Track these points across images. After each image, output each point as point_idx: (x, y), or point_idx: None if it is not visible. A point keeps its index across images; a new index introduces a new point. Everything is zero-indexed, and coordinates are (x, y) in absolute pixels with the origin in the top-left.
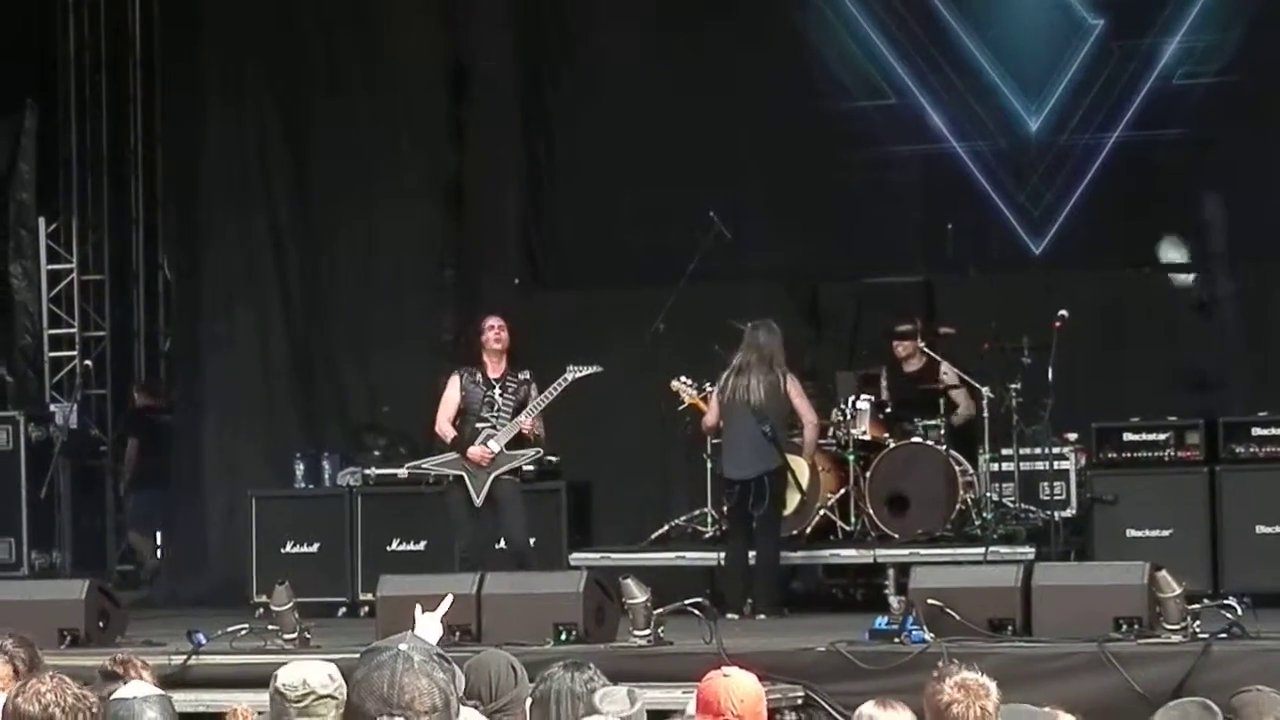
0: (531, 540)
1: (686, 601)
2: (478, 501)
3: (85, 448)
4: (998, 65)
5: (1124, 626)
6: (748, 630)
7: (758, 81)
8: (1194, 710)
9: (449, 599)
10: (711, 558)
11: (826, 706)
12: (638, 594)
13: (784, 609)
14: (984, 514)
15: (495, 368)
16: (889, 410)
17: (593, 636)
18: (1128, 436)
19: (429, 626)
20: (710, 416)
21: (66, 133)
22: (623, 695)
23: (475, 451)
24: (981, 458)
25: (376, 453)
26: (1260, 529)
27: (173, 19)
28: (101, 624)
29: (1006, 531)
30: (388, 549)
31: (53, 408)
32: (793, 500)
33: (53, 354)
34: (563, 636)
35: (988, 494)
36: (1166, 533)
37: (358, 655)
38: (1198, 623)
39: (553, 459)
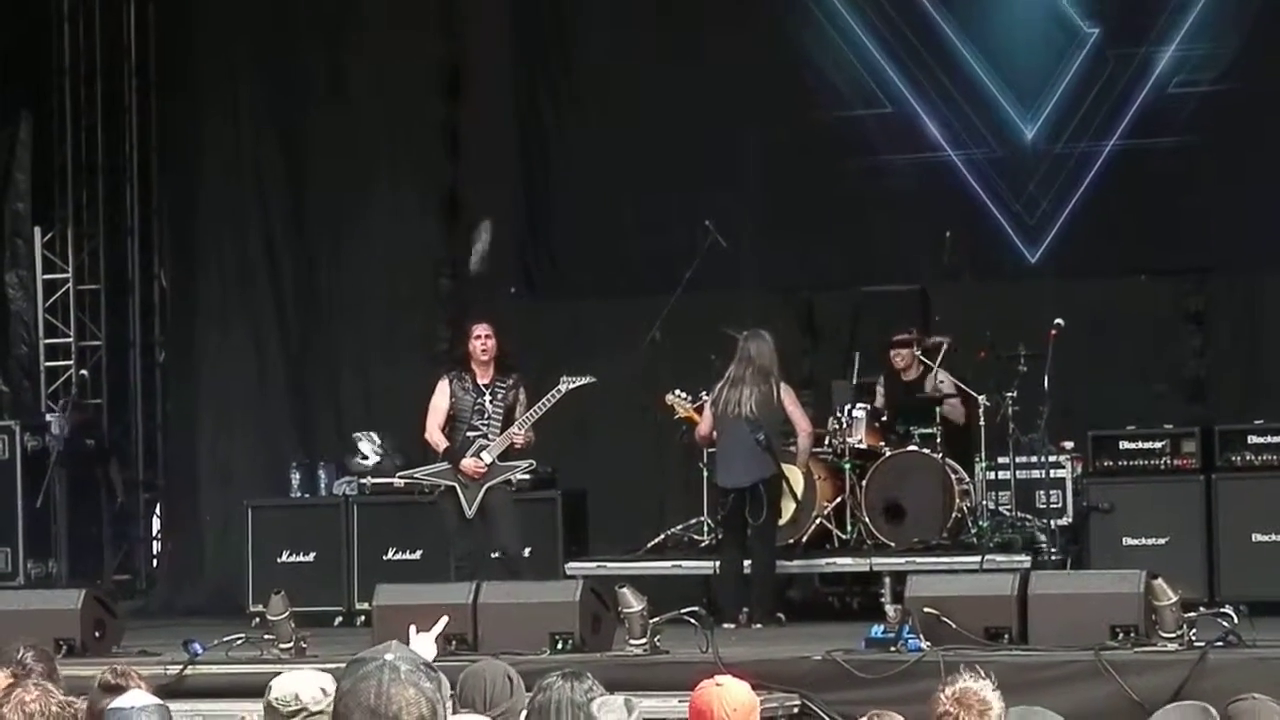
0: (527, 550)
1: (683, 610)
2: (469, 513)
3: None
4: (993, 74)
5: (1120, 635)
6: (744, 639)
7: (754, 90)
8: (1192, 713)
9: (443, 620)
10: (708, 566)
11: (823, 715)
12: (634, 603)
13: (781, 618)
14: (980, 522)
15: (484, 374)
16: (885, 419)
17: (589, 645)
18: (1124, 445)
19: (423, 647)
20: (704, 426)
21: (62, 142)
22: (619, 704)
23: (468, 464)
24: (978, 466)
25: (372, 462)
26: (1256, 537)
27: (168, 28)
28: (97, 634)
29: (1002, 540)
30: (383, 558)
31: (48, 417)
32: (788, 509)
33: (48, 364)
34: (559, 646)
35: (984, 502)
36: (1162, 541)
37: None
38: (1194, 631)
39: (549, 469)
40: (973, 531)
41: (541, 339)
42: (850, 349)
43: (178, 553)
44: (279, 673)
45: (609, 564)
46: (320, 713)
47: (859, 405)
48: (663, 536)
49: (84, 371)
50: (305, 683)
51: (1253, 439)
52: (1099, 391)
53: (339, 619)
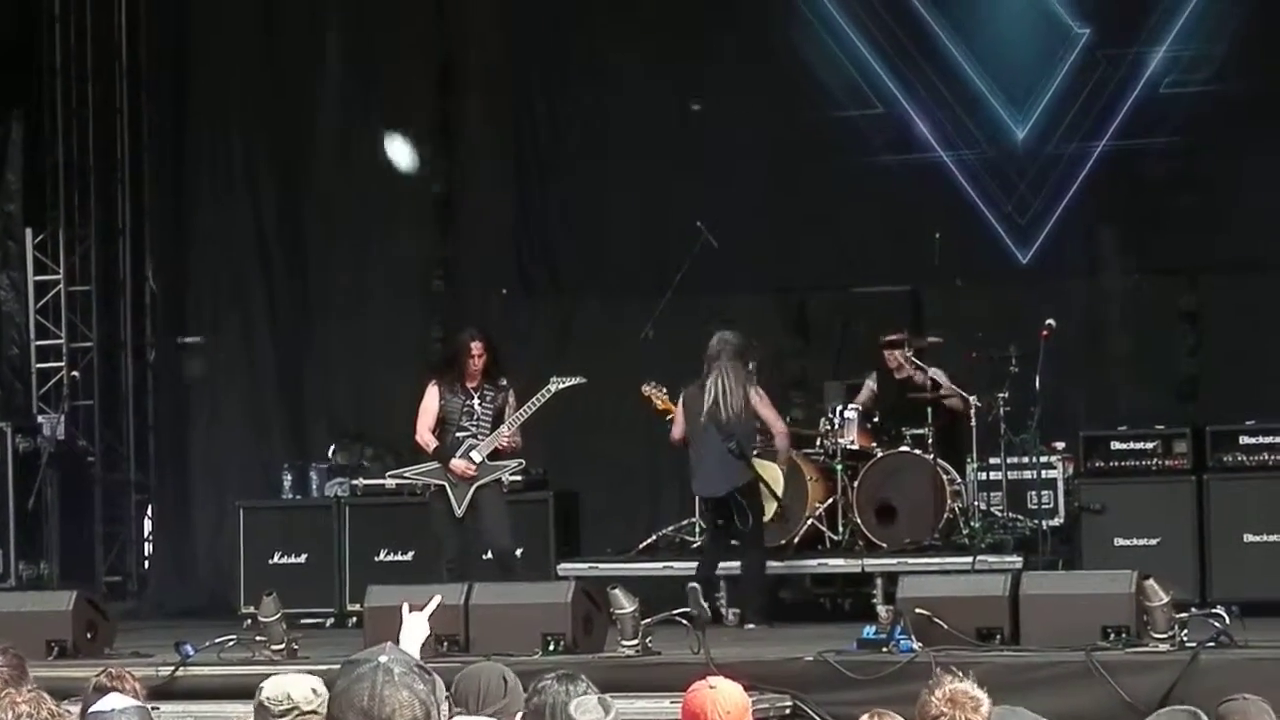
0: (519, 551)
1: (675, 611)
2: (459, 512)
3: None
4: (984, 74)
5: (1112, 635)
6: (736, 640)
7: (745, 91)
8: (1181, 718)
9: (436, 599)
10: None
11: (815, 716)
12: (626, 604)
13: (772, 619)
14: (972, 523)
15: (473, 378)
16: (877, 419)
17: (581, 647)
18: (1115, 445)
19: (416, 626)
20: (677, 430)
21: (53, 144)
22: (594, 704)
23: (458, 465)
24: (969, 467)
25: (364, 464)
26: (1248, 537)
27: (159, 30)
28: (89, 635)
29: (994, 540)
30: (375, 559)
31: (40, 419)
32: (770, 508)
33: (40, 365)
34: (551, 647)
35: (975, 503)
36: (1154, 541)
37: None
38: (1185, 631)
39: (540, 470)
40: (964, 532)
41: (534, 339)
42: (842, 350)
43: (169, 554)
44: (271, 674)
45: (601, 565)
46: (312, 712)
47: (850, 406)
48: (654, 538)
49: (75, 373)
50: (296, 683)
51: (1244, 439)
52: (1090, 392)
53: (330, 620)
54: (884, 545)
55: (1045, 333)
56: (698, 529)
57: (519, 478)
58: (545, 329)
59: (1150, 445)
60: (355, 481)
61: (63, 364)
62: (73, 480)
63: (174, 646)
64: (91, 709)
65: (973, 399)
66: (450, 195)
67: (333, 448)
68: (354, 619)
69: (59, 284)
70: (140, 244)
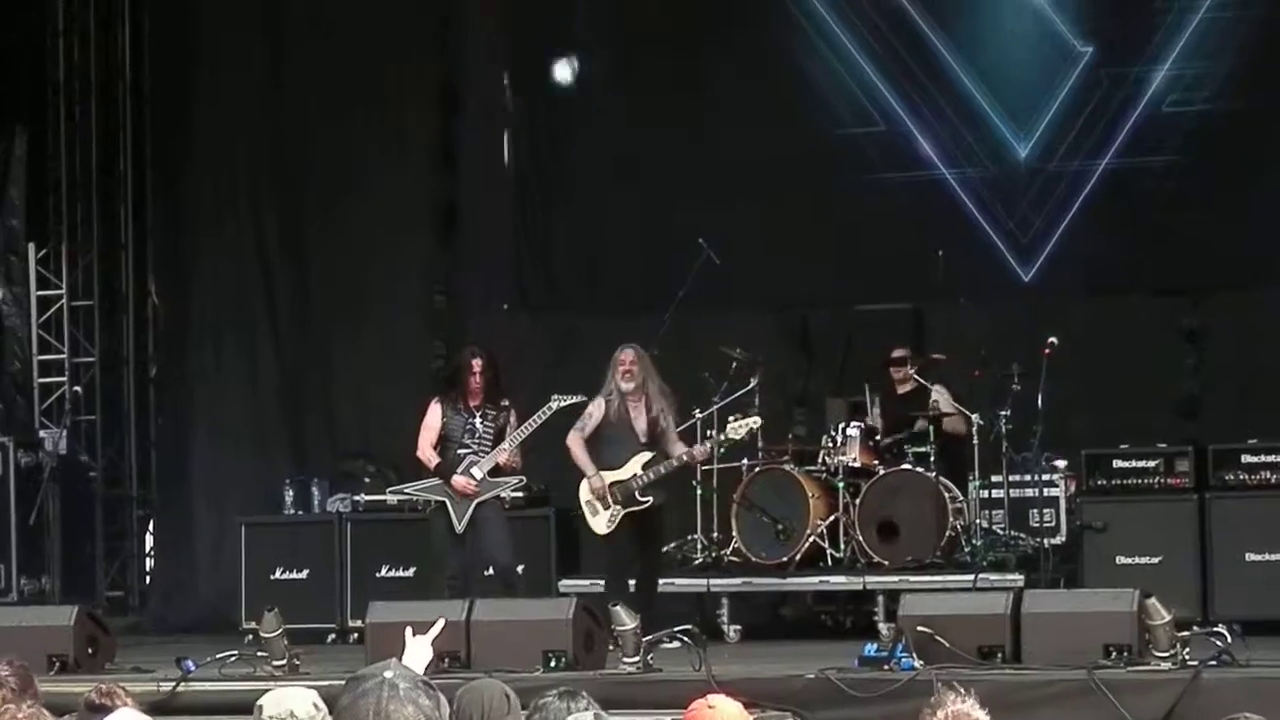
0: (520, 567)
1: (676, 629)
2: (459, 528)
3: (75, 474)
4: (987, 92)
5: (1113, 654)
6: (736, 657)
7: (748, 108)
8: None
9: (440, 622)
10: (701, 584)
11: None
12: (627, 621)
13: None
14: (974, 541)
15: (475, 396)
16: (879, 437)
17: (582, 664)
18: (1117, 463)
19: (420, 650)
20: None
21: (56, 159)
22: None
23: (459, 481)
24: (971, 485)
25: (366, 479)
26: (1250, 556)
27: (162, 46)
28: (90, 650)
29: (996, 558)
30: (377, 575)
31: (42, 434)
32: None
33: (42, 380)
34: (552, 664)
35: (977, 521)
36: (1156, 560)
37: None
38: (1187, 650)
39: (542, 487)
40: (966, 550)
41: (534, 355)
42: (844, 367)
43: (171, 569)
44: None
45: (602, 582)
46: None
47: (853, 423)
48: None
49: (77, 388)
50: (298, 698)
51: (1246, 458)
52: (1092, 410)
53: (332, 636)
54: (886, 563)
55: (1047, 351)
56: (699, 545)
57: (520, 494)
58: (546, 346)
59: (1152, 464)
60: (357, 497)
61: (65, 379)
62: (74, 495)
63: (175, 662)
64: None
65: (975, 417)
66: (451, 212)
67: (359, 459)
68: (355, 635)
69: (61, 299)
70: (143, 259)
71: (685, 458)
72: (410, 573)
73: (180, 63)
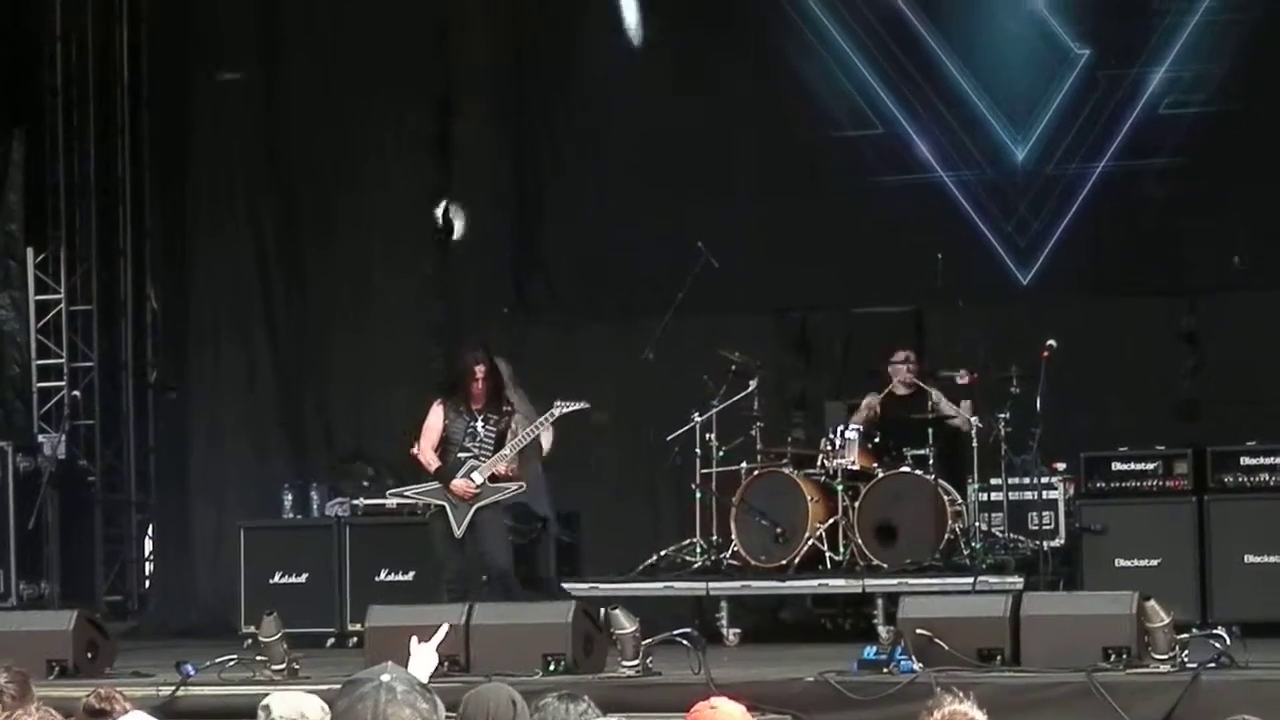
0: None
1: (675, 632)
2: (458, 532)
3: (74, 478)
4: (984, 95)
5: (1112, 656)
6: (736, 660)
7: (746, 112)
8: None
9: (445, 628)
10: (700, 588)
11: None
12: (626, 624)
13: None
14: (973, 544)
15: (478, 400)
16: (878, 440)
17: (581, 667)
18: (1116, 466)
19: (424, 656)
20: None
21: (54, 163)
22: None
23: (459, 485)
24: (970, 487)
25: (365, 483)
26: (1249, 558)
27: (160, 49)
28: (90, 655)
29: (995, 561)
30: (376, 579)
31: (41, 438)
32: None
33: (41, 384)
34: (551, 667)
35: (976, 524)
36: (1155, 562)
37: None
38: (1186, 652)
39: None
40: (965, 553)
41: (534, 359)
42: (843, 370)
43: (170, 574)
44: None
45: (601, 585)
46: None
47: (852, 426)
48: (655, 558)
49: (76, 392)
50: (309, 703)
51: (1245, 460)
52: (1091, 412)
53: (331, 640)
54: (885, 566)
55: (1046, 353)
56: (698, 549)
57: (521, 500)
58: (545, 350)
59: (1151, 466)
60: (356, 501)
61: (63, 383)
62: (73, 500)
63: (175, 666)
64: None
65: (974, 419)
66: (450, 216)
67: (358, 462)
68: (355, 639)
69: (60, 303)
70: (141, 264)
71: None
72: (409, 576)
73: (177, 66)
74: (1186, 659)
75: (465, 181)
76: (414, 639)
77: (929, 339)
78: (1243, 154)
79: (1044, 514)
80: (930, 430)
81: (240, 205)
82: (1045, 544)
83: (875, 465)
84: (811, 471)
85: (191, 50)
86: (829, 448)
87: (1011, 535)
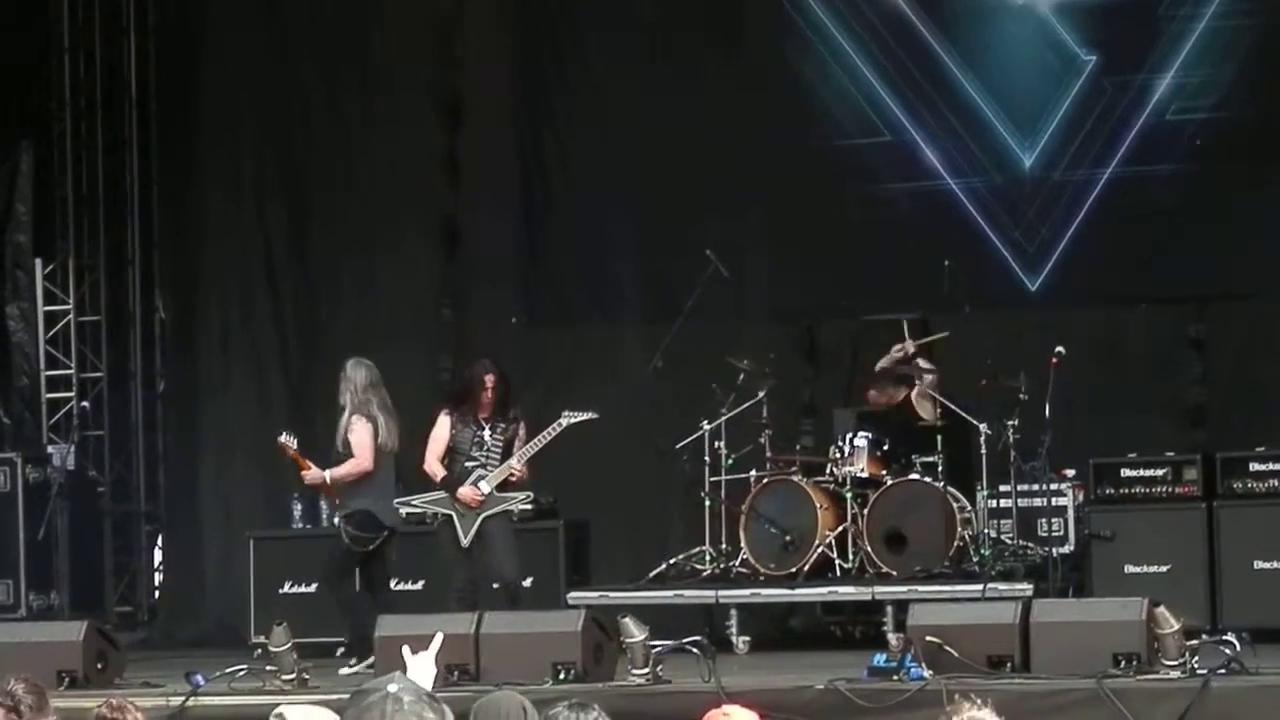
0: (528, 581)
1: (685, 640)
2: (465, 541)
3: (83, 489)
4: (991, 102)
5: (1122, 663)
6: (746, 668)
7: (754, 119)
8: None
9: (439, 638)
10: (710, 596)
11: None
12: (636, 633)
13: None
14: (982, 551)
15: (486, 410)
16: (887, 447)
17: (591, 675)
18: (1125, 472)
19: (423, 667)
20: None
21: (63, 174)
22: None
23: (466, 493)
24: (979, 494)
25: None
26: (1258, 564)
27: (169, 60)
28: (100, 665)
29: (1005, 568)
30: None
31: (50, 449)
32: None
33: (50, 395)
34: (561, 676)
35: (986, 531)
36: (1164, 568)
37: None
38: (1196, 659)
39: (551, 499)
40: (975, 560)
41: (543, 368)
42: (851, 377)
43: (179, 584)
44: (280, 704)
45: (611, 594)
46: None
47: (860, 434)
48: (665, 566)
49: (85, 403)
50: (319, 714)
51: (1254, 466)
52: (1100, 419)
53: (341, 650)
54: (894, 573)
55: (1055, 360)
56: (708, 557)
57: (529, 507)
58: (553, 358)
59: (1160, 472)
60: None
61: (72, 394)
62: (83, 510)
63: (184, 676)
64: None
65: (982, 426)
66: (458, 225)
67: None
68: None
69: (69, 314)
70: (150, 274)
71: None
72: (419, 586)
73: (186, 77)
74: (1196, 665)
75: (473, 191)
76: (406, 649)
77: (937, 345)
78: (1250, 159)
79: (1053, 520)
80: (939, 437)
81: (248, 215)
82: (1055, 550)
83: (884, 473)
84: (821, 479)
85: (199, 61)
86: (838, 455)
87: (1021, 542)
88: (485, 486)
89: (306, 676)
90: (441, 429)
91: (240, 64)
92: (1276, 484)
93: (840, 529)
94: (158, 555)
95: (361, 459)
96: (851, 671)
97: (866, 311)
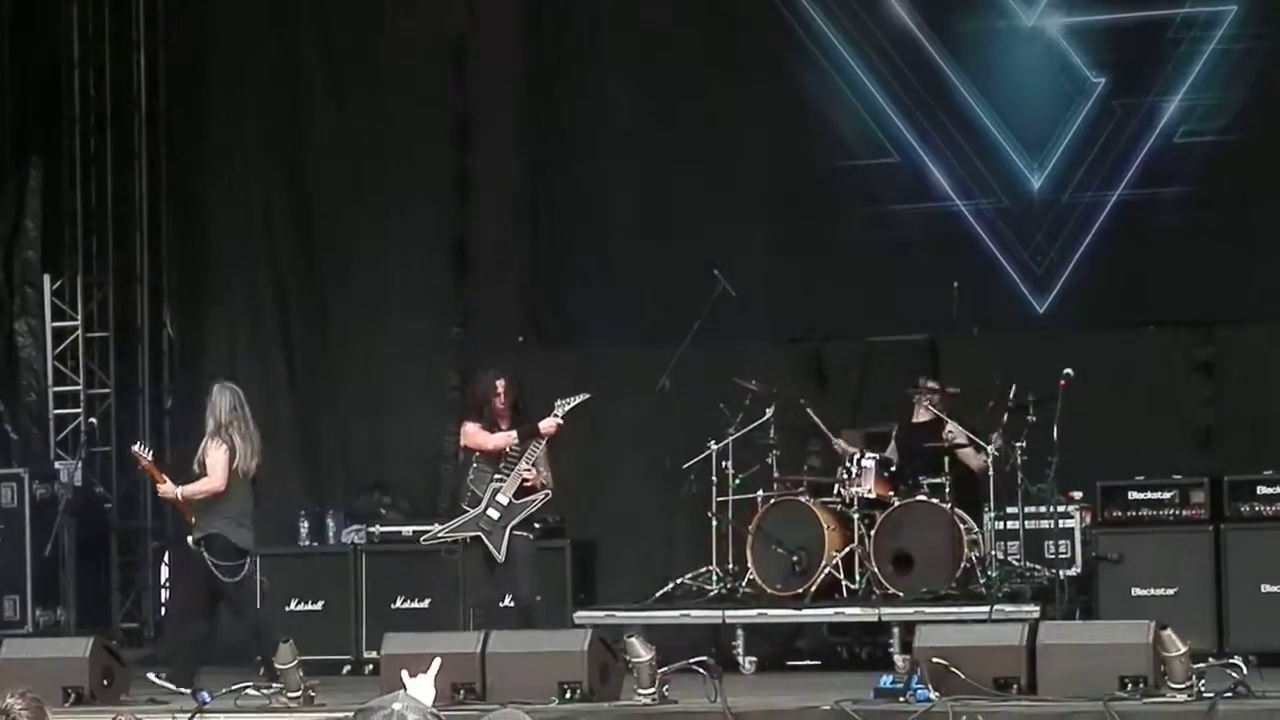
0: (538, 598)
1: (691, 660)
2: (499, 557)
3: (90, 505)
4: (1000, 123)
5: (1129, 685)
6: (752, 688)
7: (762, 139)
8: None
9: (437, 662)
10: (716, 616)
11: None
12: (642, 652)
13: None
14: (989, 572)
15: (504, 419)
16: (894, 469)
17: (597, 695)
18: (1132, 495)
19: (422, 690)
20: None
21: (71, 190)
22: None
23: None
24: (986, 516)
25: (381, 511)
26: (1265, 587)
27: (177, 78)
28: (106, 682)
29: (1011, 590)
30: (392, 607)
31: (57, 465)
32: None
33: (57, 411)
34: (567, 695)
35: (993, 552)
36: (1171, 591)
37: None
38: (1203, 682)
39: (558, 518)
40: (981, 581)
41: (550, 388)
42: (858, 398)
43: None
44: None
45: (618, 613)
46: None
47: (868, 455)
48: (671, 585)
49: (93, 419)
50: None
51: (1262, 489)
52: (1107, 441)
53: (347, 668)
54: (901, 594)
55: (1063, 382)
56: (714, 577)
57: (537, 525)
58: (560, 378)
59: (1168, 495)
60: (372, 529)
61: (80, 410)
62: (90, 527)
63: (190, 694)
64: None
65: (990, 448)
66: (466, 245)
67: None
68: (370, 666)
69: (77, 330)
70: (158, 290)
71: None
72: (425, 604)
73: (195, 94)
74: (1203, 688)
75: (481, 209)
76: (404, 673)
77: (944, 367)
78: (1258, 182)
79: (1060, 543)
80: (946, 459)
81: (256, 232)
82: (1062, 573)
83: (891, 494)
84: (828, 500)
85: (208, 78)
86: (845, 476)
87: (1028, 564)
88: (503, 499)
89: (313, 694)
90: (474, 430)
91: (249, 80)
92: None
93: (847, 550)
94: (164, 572)
95: (214, 479)
96: (858, 693)
97: (874, 333)
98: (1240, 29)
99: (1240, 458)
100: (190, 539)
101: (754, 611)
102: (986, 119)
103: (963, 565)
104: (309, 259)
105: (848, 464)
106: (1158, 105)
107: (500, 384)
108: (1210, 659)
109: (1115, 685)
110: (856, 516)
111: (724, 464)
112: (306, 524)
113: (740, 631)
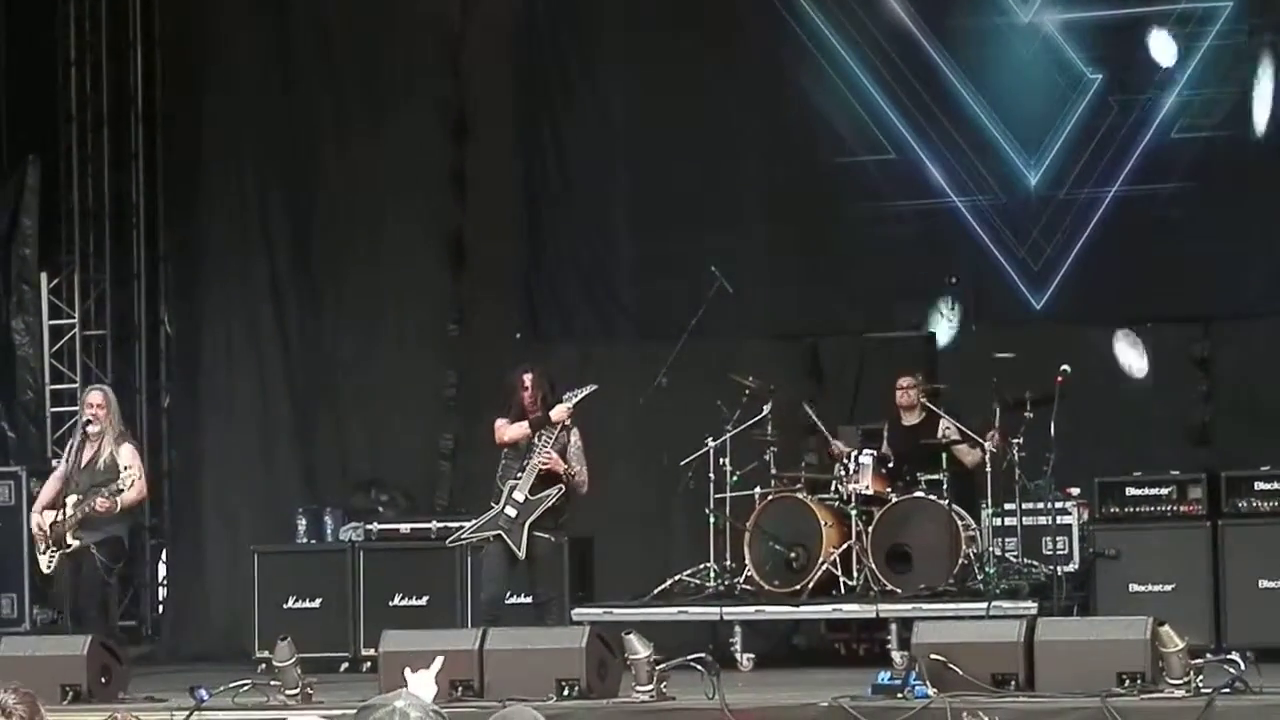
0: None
1: (689, 657)
2: (521, 553)
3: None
4: (996, 120)
5: (1127, 681)
6: (750, 685)
7: (758, 136)
8: None
9: (439, 660)
10: (714, 613)
11: None
12: (640, 649)
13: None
14: (986, 569)
15: (533, 412)
16: (892, 465)
17: (595, 692)
18: (1130, 491)
19: (423, 687)
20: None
21: (69, 188)
22: None
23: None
24: (984, 512)
25: (379, 508)
26: (1263, 583)
27: (174, 76)
28: (104, 680)
29: (1009, 586)
30: (390, 604)
31: (54, 463)
32: None
33: (54, 409)
34: (565, 692)
35: (990, 549)
36: (1169, 587)
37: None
38: (1201, 677)
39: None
40: (979, 578)
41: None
42: (855, 395)
43: (183, 598)
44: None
45: (616, 610)
46: None
47: (865, 451)
48: (669, 582)
49: None
50: None
51: (1259, 485)
52: (1105, 438)
53: (345, 665)
54: (898, 590)
55: (1060, 379)
56: (712, 574)
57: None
58: (558, 374)
59: (1165, 491)
60: (370, 526)
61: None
62: None
63: (188, 691)
64: None
65: (986, 444)
66: (463, 242)
67: (373, 487)
68: (368, 663)
69: (74, 328)
70: (155, 288)
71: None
72: (424, 601)
73: (192, 91)
74: (1201, 684)
75: (478, 206)
76: (407, 670)
77: (941, 364)
78: (1254, 178)
79: (1058, 539)
80: (944, 455)
81: (253, 229)
82: (1059, 569)
83: (889, 490)
84: (825, 496)
85: (205, 76)
86: (843, 473)
87: (1025, 560)
88: (519, 496)
89: (311, 691)
90: (499, 424)
91: (246, 79)
92: None
93: (845, 546)
94: (162, 569)
95: (141, 481)
96: (856, 689)
97: (871, 330)
98: (1235, 25)
99: (1238, 453)
100: (81, 542)
101: (752, 608)
102: (983, 115)
103: (960, 561)
104: (305, 255)
105: (845, 461)
106: (1154, 101)
107: (528, 378)
108: (1208, 655)
109: (1113, 681)
110: (854, 513)
111: (721, 461)
112: (304, 521)
113: (738, 628)
